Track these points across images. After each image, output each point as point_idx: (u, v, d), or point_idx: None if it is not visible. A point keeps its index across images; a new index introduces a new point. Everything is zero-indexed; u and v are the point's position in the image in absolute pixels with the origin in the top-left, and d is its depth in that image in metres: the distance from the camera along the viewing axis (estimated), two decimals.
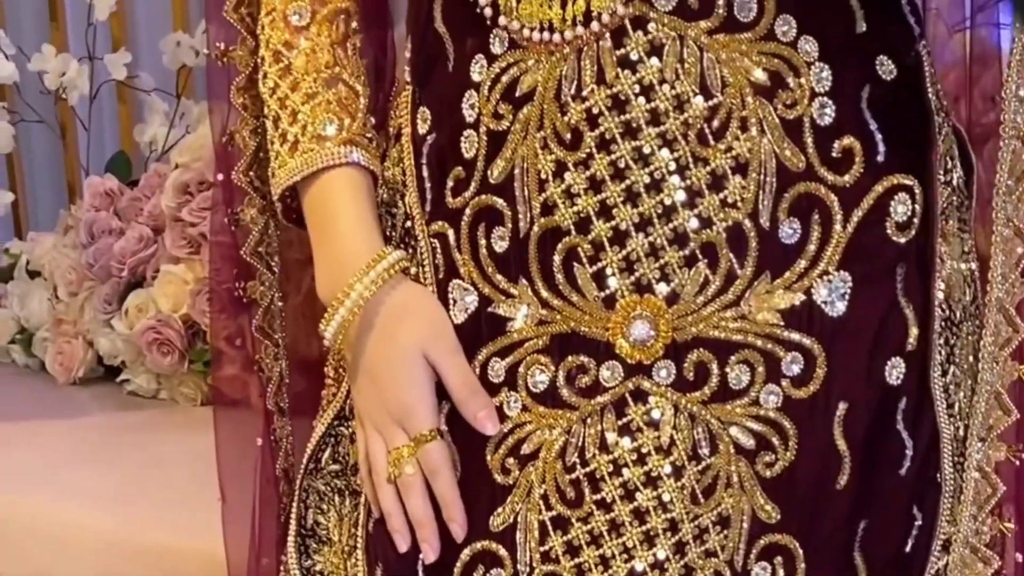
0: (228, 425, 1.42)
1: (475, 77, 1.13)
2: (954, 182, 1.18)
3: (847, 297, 1.10)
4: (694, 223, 1.08)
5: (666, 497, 1.10)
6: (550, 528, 1.12)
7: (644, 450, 1.10)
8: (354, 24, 1.23)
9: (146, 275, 2.49)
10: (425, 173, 1.18)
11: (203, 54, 2.60)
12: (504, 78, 1.11)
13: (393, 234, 1.22)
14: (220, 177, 1.31)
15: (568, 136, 1.09)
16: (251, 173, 1.29)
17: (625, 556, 1.10)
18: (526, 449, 1.12)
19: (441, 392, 1.15)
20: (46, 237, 2.77)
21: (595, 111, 1.08)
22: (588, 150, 1.08)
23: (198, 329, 2.42)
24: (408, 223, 1.20)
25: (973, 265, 1.19)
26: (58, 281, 2.65)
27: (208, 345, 2.32)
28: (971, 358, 1.18)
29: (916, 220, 1.13)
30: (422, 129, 1.19)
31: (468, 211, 1.14)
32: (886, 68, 1.12)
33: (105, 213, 2.57)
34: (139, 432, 2.42)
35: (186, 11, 2.83)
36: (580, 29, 1.07)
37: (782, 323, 1.09)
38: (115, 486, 2.15)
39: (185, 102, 2.69)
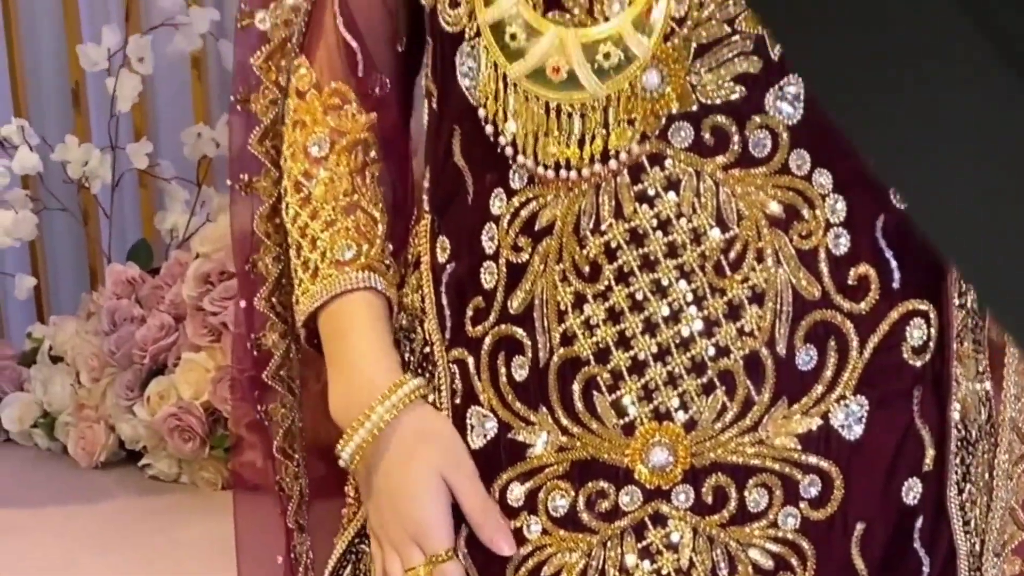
0: (248, 515, 1.42)
1: (494, 210, 1.13)
2: (968, 304, 1.17)
3: (864, 421, 1.10)
4: (712, 352, 1.07)
5: None
6: None
7: (664, 572, 1.10)
8: (372, 153, 1.24)
9: (167, 362, 2.51)
10: (444, 301, 1.18)
11: (223, 145, 2.62)
12: (523, 212, 1.11)
13: (411, 359, 1.21)
14: (243, 304, 1.31)
15: (587, 269, 1.08)
16: (272, 299, 1.29)
17: None
18: (546, 571, 1.12)
19: (460, 514, 1.15)
20: (68, 322, 2.79)
21: (613, 245, 1.07)
22: (607, 282, 1.08)
23: (219, 416, 2.43)
24: (427, 348, 1.20)
25: (987, 384, 1.19)
26: (80, 367, 2.66)
27: (228, 431, 2.34)
28: (986, 475, 1.18)
29: (932, 344, 1.13)
30: (441, 258, 1.19)
31: (488, 340, 1.13)
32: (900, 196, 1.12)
33: (127, 301, 2.59)
34: (160, 516, 2.44)
35: (206, 103, 2.84)
36: (598, 167, 1.07)
37: (799, 447, 1.09)
38: (136, 569, 2.16)
39: (206, 190, 2.71)
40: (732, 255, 1.07)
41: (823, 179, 1.08)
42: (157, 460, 2.54)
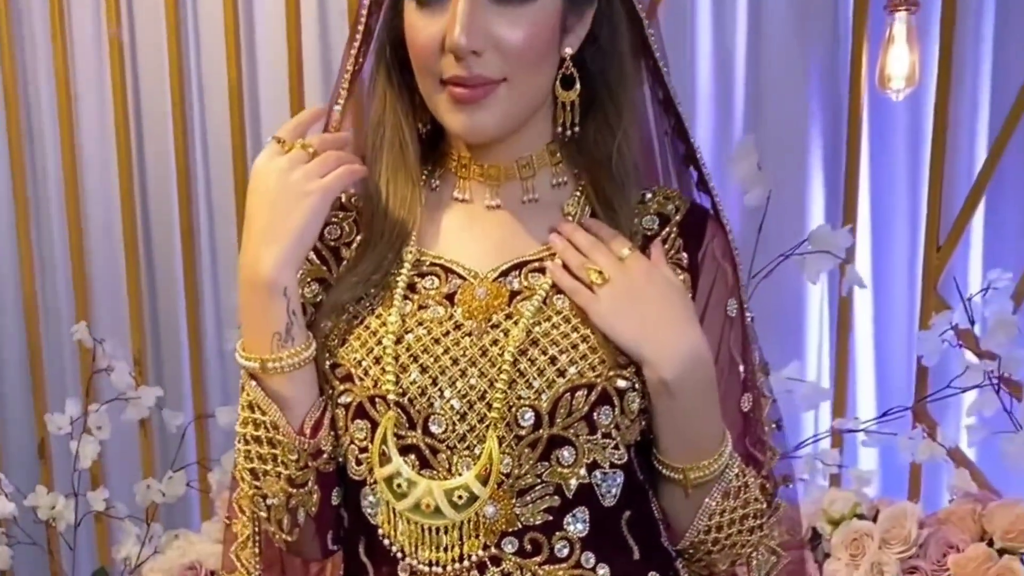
0: None
1: None
2: None
3: None
4: None
5: None
6: None
7: None
8: None
9: None
10: None
11: (168, 494, 2.98)
12: None
13: None
14: None
15: None
16: None
17: None
18: None
19: None
20: None
21: None
22: None
23: None
24: None
25: None
26: None
27: None
28: None
29: None
30: None
31: None
32: None
33: None
34: None
35: (152, 457, 3.17)
36: (456, 565, 1.49)
37: None
38: None
39: (154, 527, 3.02)
40: None
41: (603, 571, 1.52)
42: None
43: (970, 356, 2.70)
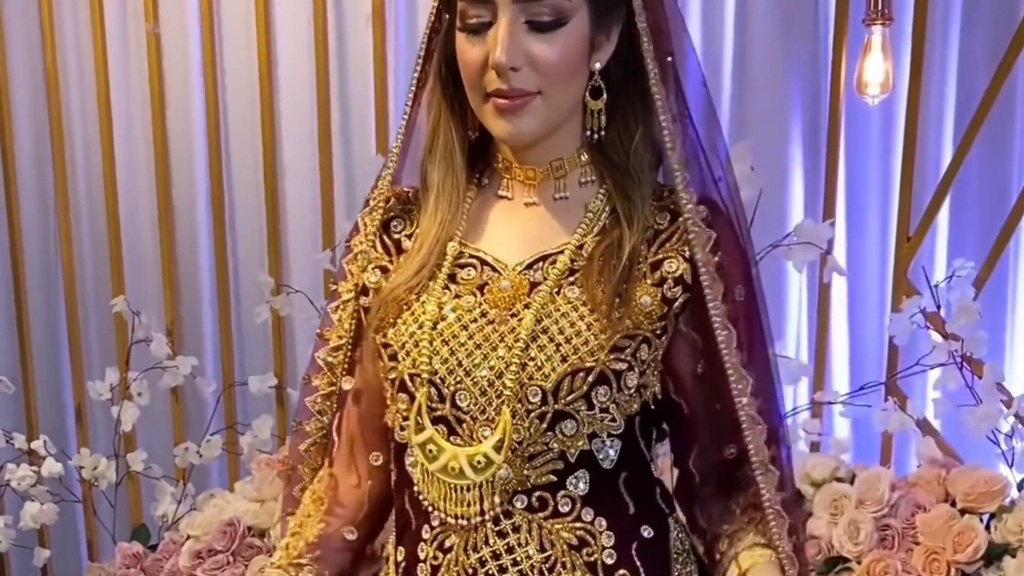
0: None
1: (424, 536, 1.84)
2: None
3: None
4: None
5: None
6: None
7: None
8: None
9: None
10: None
11: (205, 456, 3.31)
12: (439, 538, 1.82)
13: None
14: None
15: (471, 570, 1.79)
16: None
17: None
18: None
19: None
20: None
21: (485, 559, 1.78)
22: None
23: None
24: None
25: None
26: None
27: None
28: None
29: None
30: (399, 558, 1.89)
31: None
32: (648, 532, 1.83)
33: (134, 570, 3.20)
34: None
35: (185, 421, 3.50)
36: (475, 518, 1.78)
37: None
38: None
39: (189, 487, 3.35)
40: (548, 565, 1.77)
41: (600, 524, 1.80)
42: None
43: (936, 337, 3.04)
